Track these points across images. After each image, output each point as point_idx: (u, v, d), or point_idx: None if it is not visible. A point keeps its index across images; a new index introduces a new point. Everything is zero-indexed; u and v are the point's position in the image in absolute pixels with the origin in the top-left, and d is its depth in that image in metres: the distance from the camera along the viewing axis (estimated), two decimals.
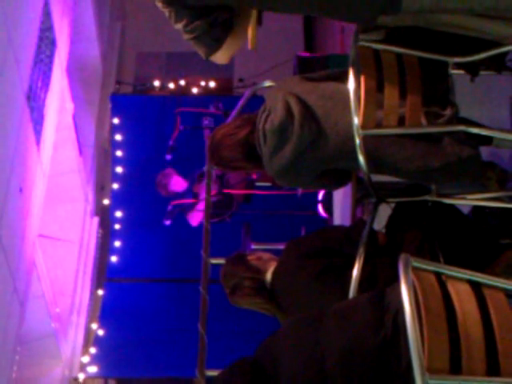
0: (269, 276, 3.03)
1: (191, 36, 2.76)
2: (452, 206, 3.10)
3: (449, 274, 2.08)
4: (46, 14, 6.91)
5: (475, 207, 3.28)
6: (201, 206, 8.21)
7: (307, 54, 7.25)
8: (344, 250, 2.94)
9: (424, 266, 2.06)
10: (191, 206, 8.50)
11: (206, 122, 8.58)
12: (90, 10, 8.68)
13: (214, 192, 7.55)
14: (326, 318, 2.25)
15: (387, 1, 2.54)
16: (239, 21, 2.84)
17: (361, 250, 2.84)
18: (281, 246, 3.18)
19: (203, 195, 7.88)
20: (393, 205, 3.15)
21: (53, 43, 7.28)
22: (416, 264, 2.04)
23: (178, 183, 8.58)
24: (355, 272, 2.79)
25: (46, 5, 6.84)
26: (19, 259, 6.23)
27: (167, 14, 2.76)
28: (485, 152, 3.07)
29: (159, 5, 2.76)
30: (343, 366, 2.10)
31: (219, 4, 2.72)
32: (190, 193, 8.66)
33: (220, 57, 2.85)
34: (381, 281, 2.78)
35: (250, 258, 3.10)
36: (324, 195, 7.92)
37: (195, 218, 8.45)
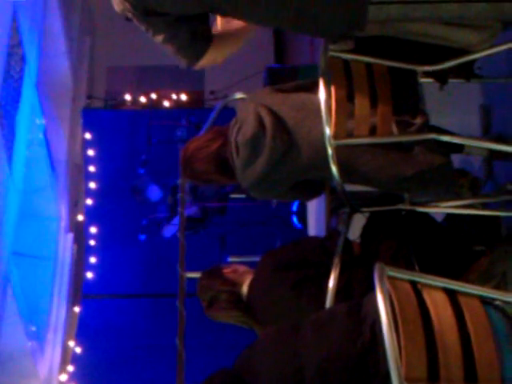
0: (245, 289, 3.02)
1: (171, 49, 2.76)
2: (425, 214, 3.11)
3: (424, 282, 2.08)
4: (15, 29, 6.88)
5: (448, 215, 3.29)
6: (175, 219, 8.20)
7: (277, 66, 7.29)
8: (319, 260, 2.94)
9: (399, 275, 2.07)
10: (165, 220, 8.50)
11: (179, 133, 8.59)
12: (59, 24, 8.64)
13: (187, 205, 7.55)
14: (302, 328, 2.24)
15: (352, 19, 2.55)
16: (223, 31, 2.85)
17: (336, 261, 2.84)
18: (256, 258, 3.18)
19: (177, 208, 7.88)
20: (367, 214, 3.16)
21: (22, 59, 7.25)
22: (391, 273, 2.04)
23: (154, 192, 8.59)
24: (331, 282, 2.79)
25: (14, 20, 6.82)
26: None
27: (144, 28, 2.75)
28: (456, 160, 3.10)
29: (134, 20, 2.74)
30: (322, 376, 2.10)
31: (195, 13, 2.72)
32: (164, 205, 8.66)
33: (201, 65, 2.86)
34: (357, 291, 2.79)
35: (225, 270, 3.10)
36: (298, 206, 7.95)
37: (168, 230, 8.46)
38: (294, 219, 8.10)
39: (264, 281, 2.99)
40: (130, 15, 2.73)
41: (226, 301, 3.04)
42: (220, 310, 3.06)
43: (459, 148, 3.23)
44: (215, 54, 2.83)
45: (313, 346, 2.16)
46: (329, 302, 2.77)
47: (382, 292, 1.96)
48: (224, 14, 2.86)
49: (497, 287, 2.86)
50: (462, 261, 2.94)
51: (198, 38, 2.74)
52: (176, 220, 8.48)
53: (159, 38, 2.74)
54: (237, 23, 2.88)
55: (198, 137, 3.23)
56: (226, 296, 3.04)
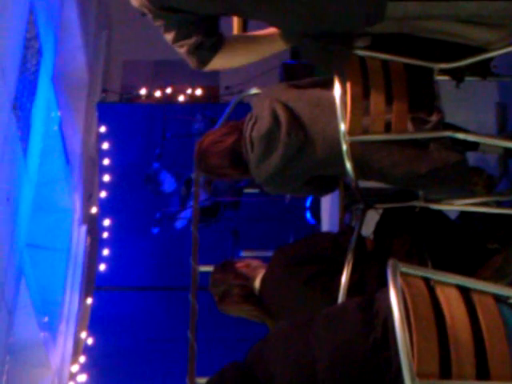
0: (257, 283, 3.03)
1: (180, 50, 2.78)
2: (439, 211, 3.11)
3: (437, 279, 2.09)
4: (32, 22, 6.91)
5: (462, 212, 3.29)
6: (183, 213, 8.24)
7: (293, 62, 7.27)
8: (332, 256, 2.94)
9: (412, 272, 2.07)
10: (177, 213, 8.54)
11: (196, 126, 8.63)
12: (76, 18, 8.67)
13: (201, 198, 7.58)
14: (315, 322, 2.25)
15: (369, 13, 2.55)
16: (229, 42, 2.85)
17: (349, 257, 2.85)
18: (269, 253, 3.19)
19: (186, 201, 7.92)
20: (380, 211, 3.16)
21: (38, 52, 7.28)
22: (404, 269, 2.05)
23: (168, 181, 8.63)
24: (344, 278, 2.80)
25: (32, 13, 6.84)
26: (7, 268, 6.22)
27: (157, 25, 2.77)
28: (471, 157, 3.09)
29: (149, 16, 2.76)
30: (334, 370, 2.11)
31: (211, 12, 2.72)
32: (177, 197, 8.70)
33: (210, 69, 2.88)
34: (370, 287, 2.79)
35: (238, 265, 3.10)
36: (312, 201, 7.96)
37: (178, 223, 8.51)
38: (308, 215, 8.10)
39: (277, 275, 2.99)
40: (146, 11, 2.75)
41: (239, 295, 3.04)
42: (232, 303, 3.07)
43: (474, 146, 3.22)
44: (224, 59, 2.84)
45: (325, 339, 2.16)
46: (341, 298, 2.78)
47: (395, 288, 1.96)
48: (240, 14, 2.86)
49: (511, 285, 2.86)
50: (475, 258, 2.94)
51: (205, 47, 2.76)
52: (184, 214, 8.53)
53: (170, 37, 2.76)
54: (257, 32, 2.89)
55: (213, 131, 3.24)
56: (238, 290, 3.04)
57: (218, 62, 2.84)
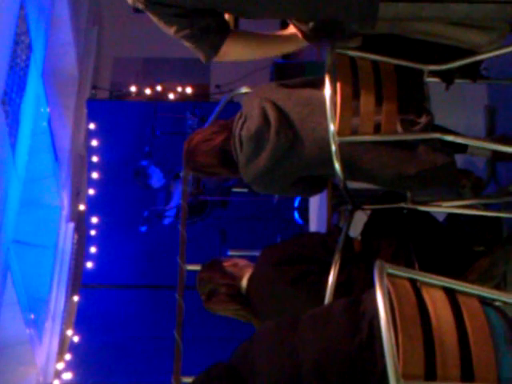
0: (244, 282, 3.03)
1: (187, 43, 2.73)
2: (427, 213, 3.12)
3: (423, 281, 2.09)
4: (22, 17, 6.89)
5: (450, 214, 3.30)
6: (168, 212, 8.26)
7: (284, 61, 7.28)
8: (320, 256, 2.94)
9: (399, 273, 2.07)
10: (164, 211, 8.56)
11: (189, 122, 8.64)
12: (67, 14, 8.65)
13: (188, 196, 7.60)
14: (301, 323, 2.25)
15: (362, 15, 2.55)
16: (239, 32, 2.82)
17: (336, 257, 2.85)
18: (256, 253, 3.19)
19: (177, 199, 7.92)
20: (368, 212, 3.16)
21: (29, 47, 7.26)
22: (391, 271, 2.05)
23: (156, 176, 8.64)
24: (331, 279, 2.80)
25: (22, 9, 6.82)
26: None
27: (156, 20, 2.73)
28: (460, 160, 3.09)
29: (147, 12, 2.72)
30: (319, 371, 2.10)
31: (206, 7, 2.70)
32: (164, 193, 8.71)
33: (222, 58, 2.82)
34: (356, 287, 2.79)
35: (225, 264, 3.10)
36: (300, 202, 7.98)
37: (165, 220, 8.53)
38: (296, 215, 8.12)
39: (264, 275, 2.99)
40: (141, 6, 2.72)
41: (225, 294, 3.04)
42: (219, 302, 3.07)
43: (463, 148, 3.23)
44: (236, 47, 2.78)
45: (310, 341, 2.16)
46: (328, 298, 2.78)
47: (382, 289, 1.96)
48: (232, 11, 2.84)
49: (496, 288, 2.86)
50: (462, 261, 2.95)
51: (212, 30, 2.70)
52: (170, 211, 8.54)
53: (172, 30, 2.71)
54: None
55: (203, 129, 3.24)
56: (225, 289, 3.04)
57: (230, 49, 2.77)
